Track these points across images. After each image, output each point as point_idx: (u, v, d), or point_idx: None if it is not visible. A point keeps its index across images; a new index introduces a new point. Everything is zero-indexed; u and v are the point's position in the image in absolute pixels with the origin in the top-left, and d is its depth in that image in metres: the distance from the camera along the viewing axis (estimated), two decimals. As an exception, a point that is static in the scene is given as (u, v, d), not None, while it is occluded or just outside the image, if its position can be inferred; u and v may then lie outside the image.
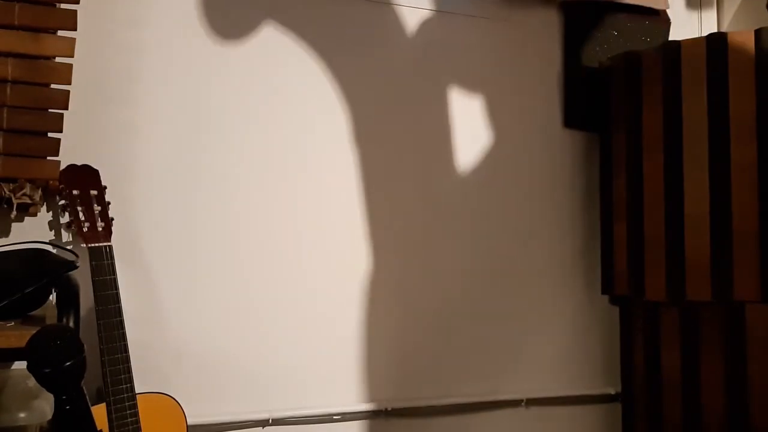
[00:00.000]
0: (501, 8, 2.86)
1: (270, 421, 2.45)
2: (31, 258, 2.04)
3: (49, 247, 2.15)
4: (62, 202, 2.12)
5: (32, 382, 1.18)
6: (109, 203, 2.14)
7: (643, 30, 2.98)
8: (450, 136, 2.76)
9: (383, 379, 2.61)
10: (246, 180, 2.47)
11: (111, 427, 1.92)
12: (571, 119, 2.94)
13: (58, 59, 2.13)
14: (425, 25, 2.73)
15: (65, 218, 2.15)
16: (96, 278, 2.03)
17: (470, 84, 2.79)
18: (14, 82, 2.08)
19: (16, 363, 2.06)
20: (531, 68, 2.90)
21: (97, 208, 2.11)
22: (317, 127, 2.57)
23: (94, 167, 2.15)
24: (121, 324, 2.01)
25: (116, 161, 2.30)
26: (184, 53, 2.41)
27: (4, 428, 1.96)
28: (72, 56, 2.13)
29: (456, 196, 2.76)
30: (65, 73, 2.14)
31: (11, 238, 2.16)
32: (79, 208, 2.09)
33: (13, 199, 2.08)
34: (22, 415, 1.99)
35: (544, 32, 2.94)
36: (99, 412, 1.91)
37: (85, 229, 2.07)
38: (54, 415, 1.27)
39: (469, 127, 2.80)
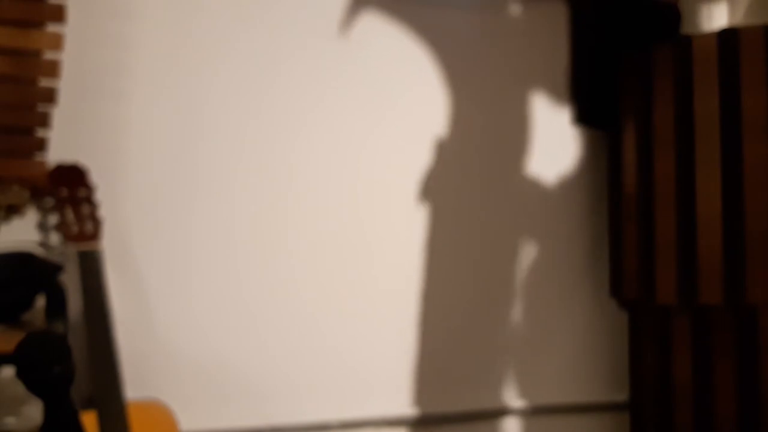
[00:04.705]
0: (504, 1, 2.83)
1: (267, 429, 2.41)
2: (19, 261, 2.02)
3: (38, 250, 2.10)
4: (50, 202, 2.10)
5: (21, 387, 1.18)
6: (99, 203, 2.10)
7: (653, 24, 2.94)
8: (450, 136, 2.73)
9: (385, 388, 2.59)
10: (244, 178, 2.44)
11: (101, 435, 1.89)
12: (580, 116, 2.92)
13: (46, 54, 2.11)
14: (422, 20, 2.69)
15: (54, 219, 2.11)
16: (85, 282, 2.00)
17: (472, 81, 2.77)
18: (0, 77, 2.06)
19: (4, 368, 2.01)
20: (537, 64, 2.88)
21: (86, 209, 2.08)
22: (317, 125, 2.54)
23: (84, 166, 2.12)
24: (111, 328, 1.98)
25: (107, 160, 2.27)
26: (178, 46, 2.39)
27: (-8, 434, 1.94)
28: (61, 50, 2.10)
29: (459, 196, 2.73)
30: (54, 68, 2.12)
31: (-3, 240, 2.13)
32: (67, 209, 2.06)
33: (1, 200, 2.05)
34: (11, 420, 1.96)
35: (550, 26, 2.91)
36: (89, 419, 1.87)
37: (74, 231, 2.04)
38: (43, 422, 1.23)
39: (472, 126, 2.76)
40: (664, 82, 2.59)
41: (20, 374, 1.20)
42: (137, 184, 2.31)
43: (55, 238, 2.17)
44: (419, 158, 2.68)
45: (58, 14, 2.10)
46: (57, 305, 1.97)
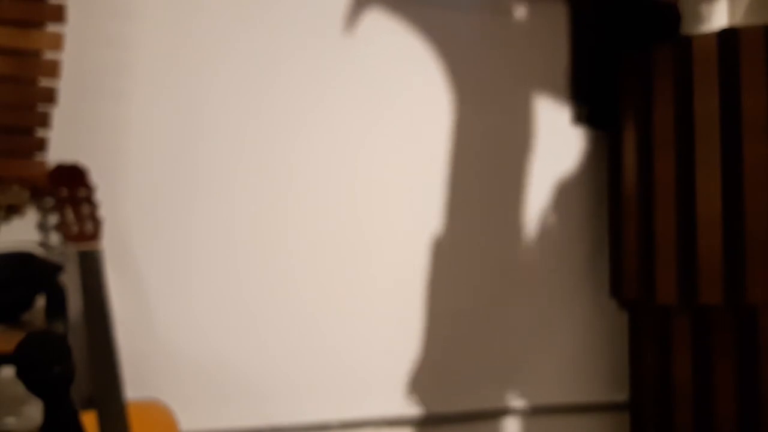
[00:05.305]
0: (504, 2, 2.82)
1: (267, 429, 2.41)
2: (19, 261, 2.01)
3: (38, 250, 2.10)
4: (50, 202, 2.09)
5: (21, 387, 1.18)
6: (99, 203, 2.10)
7: (653, 24, 2.94)
8: (450, 136, 2.72)
9: (385, 388, 2.58)
10: (244, 178, 2.44)
11: (101, 435, 1.89)
12: (580, 116, 2.91)
13: (46, 54, 2.10)
14: (422, 20, 2.69)
15: (54, 219, 2.11)
16: (85, 282, 2.00)
17: (473, 81, 2.76)
18: (0, 77, 2.05)
19: (4, 368, 2.00)
20: (537, 64, 2.87)
21: (86, 209, 2.07)
22: (317, 125, 2.53)
23: (84, 166, 2.12)
24: (111, 328, 1.98)
25: (107, 160, 2.27)
26: (178, 46, 2.38)
27: (-8, 433, 1.93)
28: (61, 50, 2.10)
29: (458, 196, 2.72)
30: (54, 68, 2.11)
31: (-3, 240, 2.13)
32: (67, 209, 2.05)
33: (1, 200, 2.05)
34: (11, 420, 1.96)
35: (550, 26, 2.90)
36: (89, 419, 1.87)
37: (74, 231, 2.04)
38: (43, 422, 1.23)
39: (472, 126, 2.75)
40: (664, 82, 2.58)
41: (20, 374, 1.19)
42: (137, 184, 2.30)
43: (55, 238, 2.17)
44: (419, 158, 2.67)
45: (58, 14, 2.09)
46: (57, 305, 1.97)
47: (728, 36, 2.47)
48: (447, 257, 2.69)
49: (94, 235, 2.05)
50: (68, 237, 2.03)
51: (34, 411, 1.95)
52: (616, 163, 2.80)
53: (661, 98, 2.59)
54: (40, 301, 1.99)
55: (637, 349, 2.75)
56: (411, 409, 2.61)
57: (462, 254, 2.71)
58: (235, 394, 2.39)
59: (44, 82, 2.10)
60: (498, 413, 2.74)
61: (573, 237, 2.88)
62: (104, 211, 2.11)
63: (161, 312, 2.32)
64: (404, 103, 2.64)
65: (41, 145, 2.11)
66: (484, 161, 2.76)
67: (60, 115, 2.15)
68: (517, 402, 2.76)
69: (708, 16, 3.09)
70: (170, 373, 2.31)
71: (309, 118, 2.52)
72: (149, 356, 2.28)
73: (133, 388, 2.04)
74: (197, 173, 2.38)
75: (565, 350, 2.85)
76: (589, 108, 2.91)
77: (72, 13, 2.15)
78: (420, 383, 2.63)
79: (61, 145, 2.16)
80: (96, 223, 2.06)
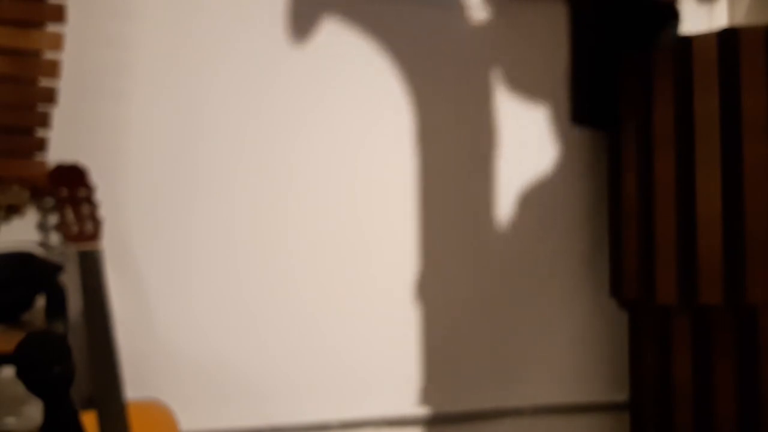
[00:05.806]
0: (504, 1, 2.82)
1: (267, 429, 2.41)
2: (19, 261, 2.02)
3: (38, 250, 2.10)
4: (50, 202, 2.09)
5: (21, 387, 1.19)
6: (99, 203, 2.10)
7: (653, 24, 2.93)
8: (449, 136, 2.72)
9: (385, 388, 2.58)
10: (244, 178, 2.44)
11: (101, 435, 1.88)
12: (579, 116, 2.91)
13: (46, 54, 2.10)
14: (421, 20, 2.69)
15: (54, 219, 2.11)
16: (85, 282, 2.00)
17: (472, 81, 2.76)
18: (0, 77, 2.05)
19: (4, 368, 2.00)
20: (536, 64, 2.87)
21: (86, 209, 2.08)
22: (317, 125, 2.53)
23: (84, 166, 2.12)
24: (111, 328, 1.98)
25: (107, 160, 2.26)
26: (178, 46, 2.38)
27: (-8, 433, 1.93)
28: (61, 50, 2.10)
29: (458, 196, 2.72)
30: (54, 68, 2.11)
31: (-3, 240, 2.12)
32: (67, 209, 2.05)
33: (1, 200, 2.05)
34: (11, 420, 1.96)
35: (550, 26, 2.90)
36: (89, 419, 1.87)
37: (74, 231, 2.04)
38: (43, 422, 1.23)
39: (471, 126, 2.75)
40: (664, 82, 2.58)
41: (20, 374, 1.19)
42: (137, 184, 2.30)
43: (55, 238, 2.17)
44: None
45: (58, 14, 2.09)
46: (57, 305, 1.97)
47: (728, 36, 2.47)
48: (447, 257, 2.69)
49: (94, 235, 2.05)
50: (68, 237, 2.03)
51: (34, 411, 1.95)
52: (616, 163, 2.80)
53: (661, 98, 2.58)
54: (40, 301, 1.99)
55: (637, 349, 2.74)
56: (411, 409, 2.61)
57: (462, 254, 2.71)
58: (235, 394, 2.39)
59: (44, 82, 2.10)
60: (498, 413, 2.73)
61: (573, 237, 2.88)
62: (104, 211, 2.11)
63: (161, 312, 2.32)
64: (404, 102, 2.64)
65: (41, 145, 2.11)
66: (484, 161, 2.76)
67: (60, 115, 2.15)
68: (517, 402, 2.76)
69: (708, 16, 3.08)
70: (170, 373, 2.31)
71: (309, 118, 2.52)
72: (149, 356, 2.28)
73: (133, 388, 2.04)
74: (197, 173, 2.38)
75: (565, 350, 2.85)
76: (588, 108, 2.90)
77: (72, 13, 2.14)
78: (420, 383, 2.63)
79: (61, 145, 2.16)
80: (96, 223, 2.06)
